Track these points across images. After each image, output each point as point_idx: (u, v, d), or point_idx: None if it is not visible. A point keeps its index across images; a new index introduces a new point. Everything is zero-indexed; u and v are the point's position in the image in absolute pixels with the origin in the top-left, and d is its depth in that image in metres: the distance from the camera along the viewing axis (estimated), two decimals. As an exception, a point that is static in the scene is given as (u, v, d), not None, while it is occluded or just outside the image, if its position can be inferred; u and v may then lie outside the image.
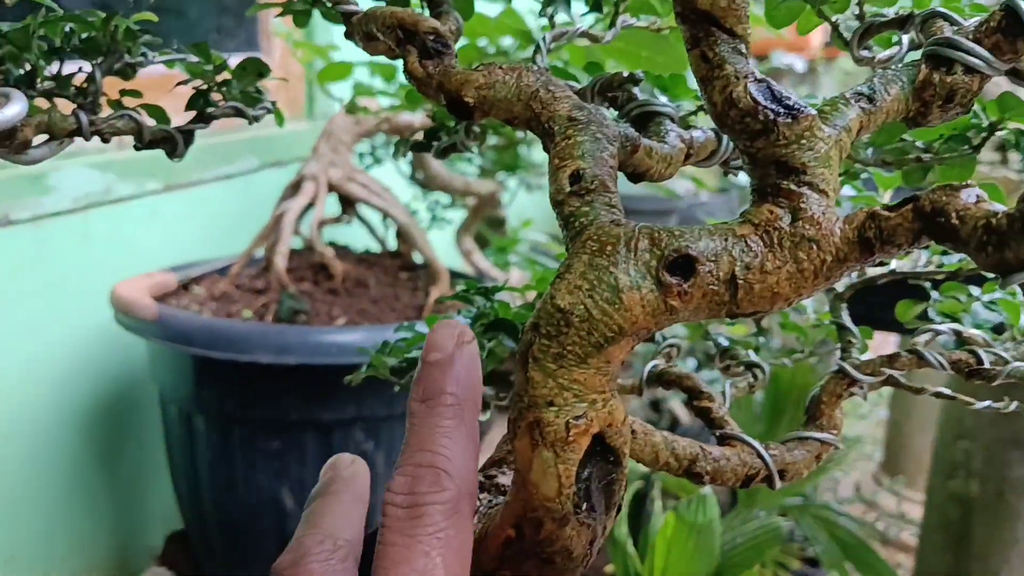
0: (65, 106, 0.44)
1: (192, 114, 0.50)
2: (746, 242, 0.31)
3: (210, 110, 0.48)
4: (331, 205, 1.44)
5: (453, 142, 0.51)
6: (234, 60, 0.49)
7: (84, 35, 0.45)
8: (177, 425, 1.29)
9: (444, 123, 0.54)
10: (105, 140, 0.44)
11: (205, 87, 0.48)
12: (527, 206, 2.15)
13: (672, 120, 0.43)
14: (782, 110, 0.31)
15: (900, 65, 0.34)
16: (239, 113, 0.50)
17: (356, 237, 1.58)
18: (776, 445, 0.47)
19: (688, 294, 0.31)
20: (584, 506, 0.33)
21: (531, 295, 0.59)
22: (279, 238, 1.32)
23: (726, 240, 0.31)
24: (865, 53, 0.43)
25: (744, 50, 0.33)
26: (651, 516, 1.19)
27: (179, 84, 0.48)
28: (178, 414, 1.28)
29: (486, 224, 1.87)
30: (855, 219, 0.31)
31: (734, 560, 1.19)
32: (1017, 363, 0.45)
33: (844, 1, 0.43)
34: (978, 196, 0.28)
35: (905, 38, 0.43)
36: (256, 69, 0.50)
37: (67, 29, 0.45)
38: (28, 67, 0.45)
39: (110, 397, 1.37)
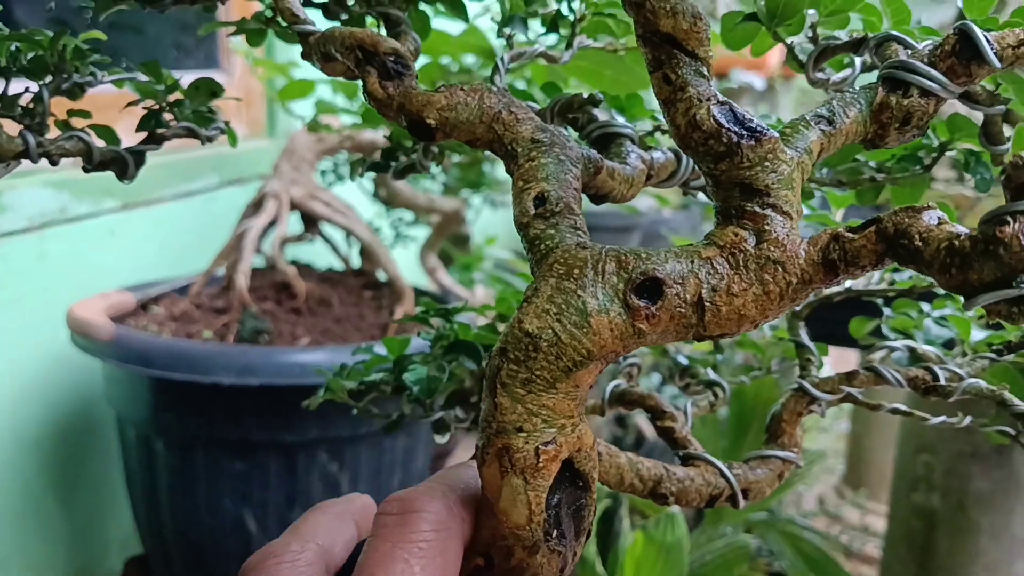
0: (12, 127, 0.43)
1: (143, 134, 0.48)
2: (712, 264, 0.31)
3: (161, 131, 0.47)
4: (293, 223, 1.43)
5: (412, 162, 0.50)
6: (193, 78, 0.48)
7: (31, 54, 0.44)
8: (136, 448, 1.26)
9: (401, 143, 0.54)
10: (53, 162, 0.43)
11: (157, 107, 0.47)
12: (491, 223, 2.14)
13: (632, 141, 0.43)
14: (745, 132, 0.32)
15: (858, 88, 0.35)
16: (192, 134, 0.49)
17: (319, 255, 1.56)
18: (739, 464, 0.47)
19: (656, 317, 0.31)
20: (554, 532, 0.32)
21: (493, 315, 0.58)
22: (241, 257, 1.30)
23: (692, 262, 0.31)
24: (820, 75, 0.43)
25: (706, 72, 0.33)
26: (620, 534, 1.19)
27: (129, 104, 0.47)
28: (137, 437, 1.25)
29: (450, 241, 1.86)
30: (819, 241, 0.31)
31: (703, 578, 1.20)
32: (972, 380, 0.46)
33: (798, 24, 0.44)
34: (939, 218, 0.28)
35: (858, 60, 0.44)
36: (209, 89, 0.49)
37: (13, 48, 0.43)
38: (-29, 87, 0.43)
39: (66, 420, 1.34)
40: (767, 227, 0.31)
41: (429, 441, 1.36)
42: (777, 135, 0.32)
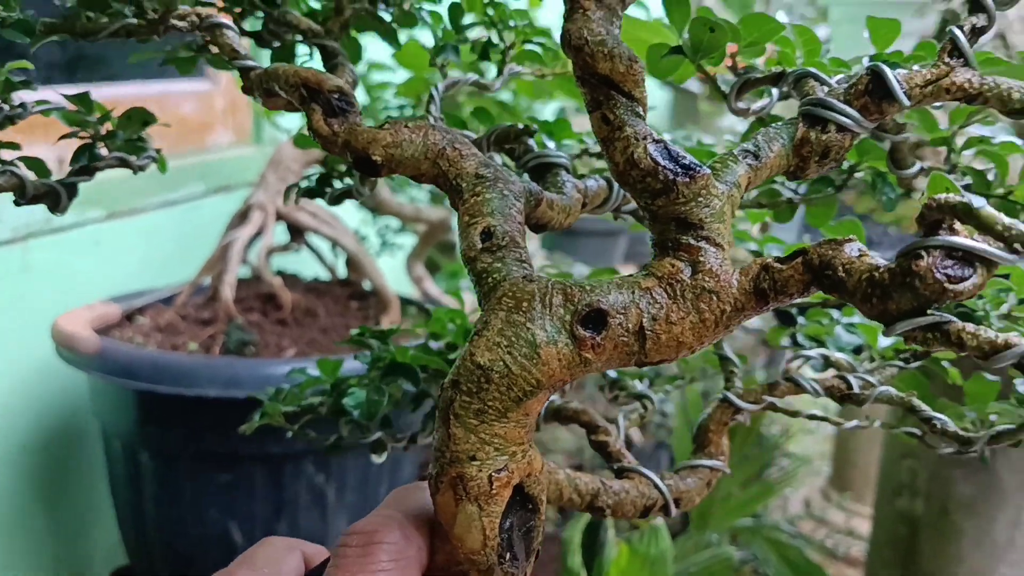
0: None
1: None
2: (651, 294, 0.33)
3: (94, 164, 0.47)
4: (279, 234, 1.42)
5: (348, 188, 0.51)
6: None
7: (-43, 87, 0.43)
8: (121, 460, 1.25)
9: (336, 168, 0.55)
10: (-15, 198, 0.42)
11: (90, 139, 0.46)
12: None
13: (567, 170, 0.44)
14: (680, 170, 0.33)
15: (780, 124, 0.37)
16: (124, 163, 0.48)
17: (305, 265, 1.56)
18: (671, 475, 0.49)
19: (601, 346, 0.32)
20: (507, 555, 0.34)
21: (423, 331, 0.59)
22: (226, 267, 1.30)
23: (633, 293, 0.33)
24: (741, 105, 0.46)
25: (641, 112, 0.35)
26: (604, 545, 1.19)
27: (63, 137, 0.47)
28: (122, 449, 1.24)
29: (437, 250, 1.86)
30: (750, 271, 0.33)
31: (688, 589, 1.23)
32: (883, 387, 0.49)
33: (719, 57, 0.46)
34: (860, 250, 0.31)
35: (775, 91, 0.46)
36: (141, 118, 0.49)
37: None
38: None
39: (52, 432, 1.33)
40: (702, 258, 0.33)
41: (415, 450, 1.37)
42: (709, 171, 0.34)
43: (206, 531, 1.18)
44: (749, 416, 0.54)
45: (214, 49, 0.43)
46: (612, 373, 0.63)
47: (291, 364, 1.12)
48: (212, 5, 0.42)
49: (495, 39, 0.54)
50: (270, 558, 0.37)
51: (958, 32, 0.35)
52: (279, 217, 1.38)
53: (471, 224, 0.36)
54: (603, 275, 0.57)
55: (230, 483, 1.17)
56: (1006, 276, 0.49)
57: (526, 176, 0.44)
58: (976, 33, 0.35)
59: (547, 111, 2.11)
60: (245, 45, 0.43)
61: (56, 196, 0.45)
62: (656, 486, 0.48)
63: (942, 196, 0.27)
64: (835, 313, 0.65)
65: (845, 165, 0.52)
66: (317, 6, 0.50)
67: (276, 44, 0.50)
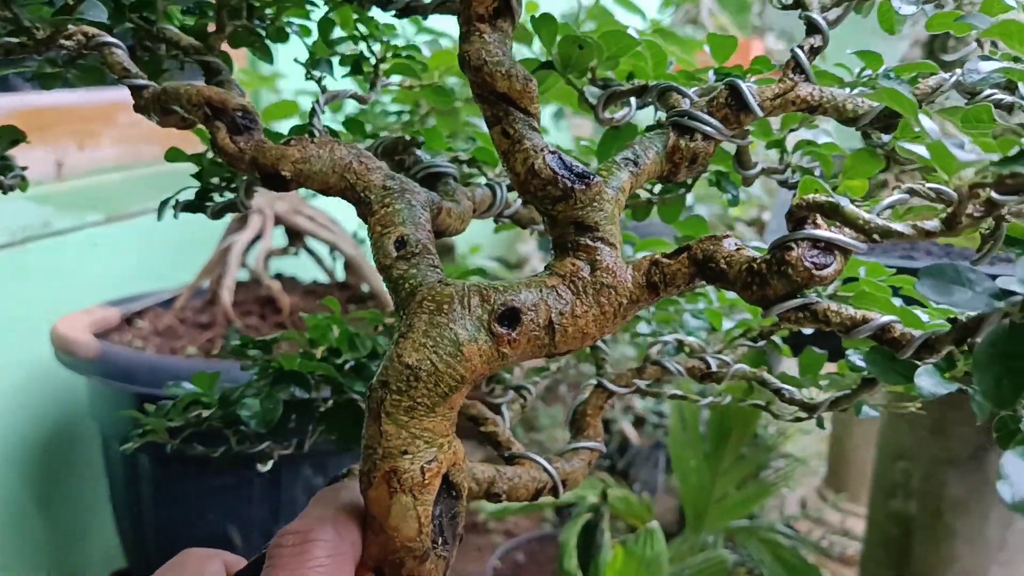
0: None
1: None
2: (557, 292, 0.36)
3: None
4: (278, 237, 1.41)
5: (231, 201, 0.52)
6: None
7: None
8: (120, 463, 1.22)
9: (210, 182, 0.55)
10: None
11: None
12: (475, 233, 2.12)
13: (455, 179, 0.47)
14: (576, 178, 0.37)
15: (652, 134, 0.41)
16: (-6, 184, 0.47)
17: (304, 268, 1.53)
18: (557, 458, 0.53)
19: (517, 341, 0.36)
20: (440, 540, 0.36)
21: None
22: (225, 271, 1.29)
23: (541, 291, 0.36)
24: (607, 116, 0.50)
25: (537, 126, 0.38)
26: (601, 547, 1.20)
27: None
28: (121, 452, 1.18)
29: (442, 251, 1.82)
30: (641, 266, 0.37)
31: (683, 592, 1.23)
32: (738, 365, 0.55)
33: (585, 71, 0.50)
34: (737, 244, 0.36)
35: (634, 101, 0.51)
36: (10, 136, 0.48)
37: None
38: None
39: (51, 434, 1.30)
40: (598, 257, 0.37)
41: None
42: (601, 179, 0.38)
43: (204, 534, 1.18)
44: (622, 398, 0.59)
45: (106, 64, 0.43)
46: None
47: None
48: (96, 24, 0.41)
49: (366, 53, 0.56)
50: (192, 567, 0.38)
51: (799, 51, 0.41)
52: (278, 221, 1.38)
53: (384, 234, 0.38)
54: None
55: (228, 486, 1.17)
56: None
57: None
58: (814, 52, 0.41)
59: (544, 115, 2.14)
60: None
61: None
62: (545, 469, 0.51)
63: (811, 196, 0.32)
64: (681, 301, 0.71)
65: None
66: (189, 22, 0.50)
67: (146, 58, 0.50)
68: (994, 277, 0.29)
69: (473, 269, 0.66)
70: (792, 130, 0.54)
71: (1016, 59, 0.36)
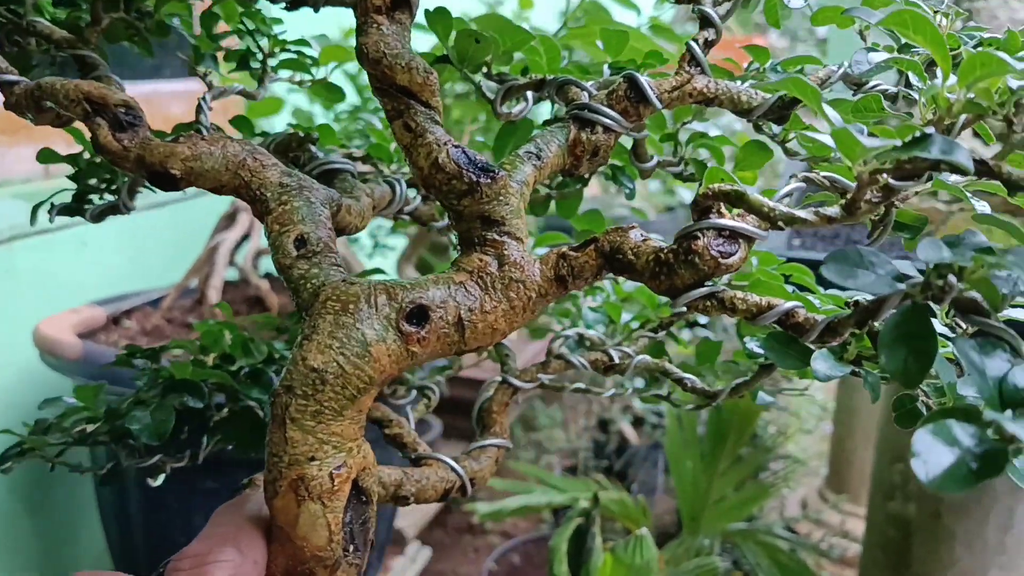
0: None
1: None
2: (465, 288, 0.36)
3: None
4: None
5: (112, 204, 0.49)
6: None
7: None
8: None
9: (89, 184, 0.52)
10: None
11: None
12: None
13: (352, 175, 0.46)
14: (481, 172, 0.37)
15: (553, 127, 0.41)
16: None
17: None
18: (465, 457, 0.52)
19: (426, 339, 0.35)
20: (351, 548, 0.35)
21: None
22: (213, 270, 1.26)
23: (449, 288, 0.36)
24: (505, 110, 0.50)
25: (438, 119, 0.38)
26: (592, 554, 1.17)
27: None
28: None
29: (429, 251, 1.75)
30: (549, 260, 0.37)
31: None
32: (640, 356, 0.56)
33: (478, 71, 0.50)
34: (643, 235, 0.36)
35: (530, 95, 0.51)
36: None
37: None
38: None
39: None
40: (506, 252, 0.37)
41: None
42: (506, 173, 0.37)
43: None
44: (528, 394, 0.59)
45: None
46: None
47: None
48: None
49: (253, 48, 0.54)
50: None
51: (694, 44, 0.41)
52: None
53: (283, 232, 0.36)
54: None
55: (216, 490, 1.12)
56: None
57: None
58: (708, 45, 0.41)
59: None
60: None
61: None
62: (453, 469, 0.51)
63: (717, 185, 0.32)
64: (579, 295, 0.72)
65: (590, 160, 0.58)
66: (61, 15, 0.47)
67: (12, 50, 0.47)
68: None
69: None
70: (685, 123, 0.55)
71: (907, 47, 0.37)
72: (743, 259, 0.33)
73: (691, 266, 0.33)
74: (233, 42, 0.54)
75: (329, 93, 0.58)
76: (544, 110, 0.94)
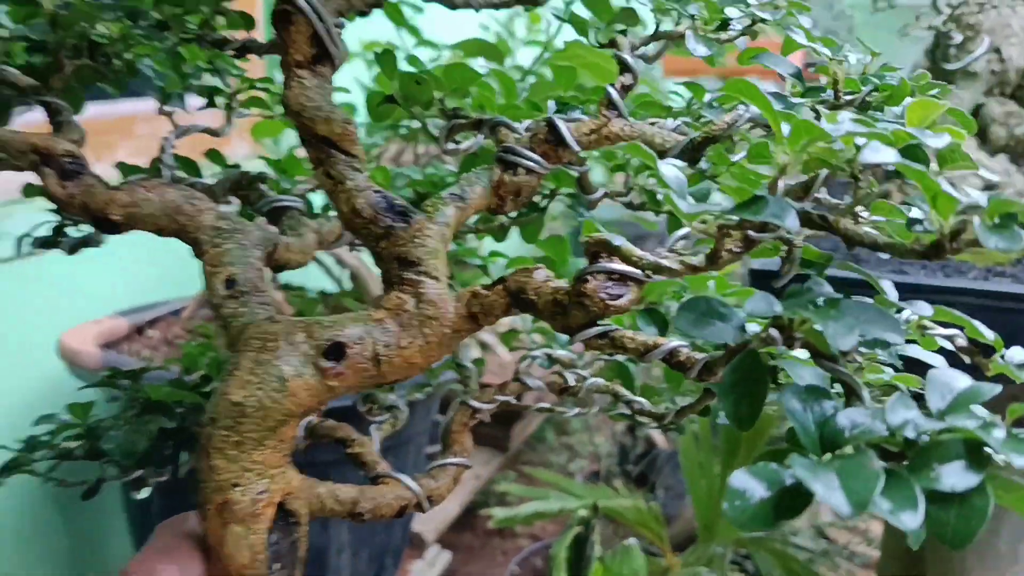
0: None
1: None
2: (383, 325, 0.38)
3: None
4: None
5: (86, 236, 0.52)
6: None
7: None
8: (86, 476, 1.19)
9: (69, 217, 0.55)
10: None
11: None
12: (490, 241, 2.12)
13: (300, 212, 0.49)
14: (397, 216, 0.39)
15: (479, 169, 0.43)
16: None
17: (311, 278, 1.51)
18: (423, 477, 0.55)
19: (343, 374, 0.37)
20: (278, 566, 0.38)
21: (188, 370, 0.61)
22: None
23: (367, 325, 0.38)
24: (451, 146, 0.52)
25: (359, 166, 0.40)
26: (591, 562, 1.19)
27: None
28: (84, 463, 1.16)
29: (451, 260, 1.80)
30: (463, 298, 0.39)
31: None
32: (593, 379, 0.58)
33: (428, 104, 0.52)
34: (547, 276, 0.38)
35: (479, 138, 0.53)
36: None
37: None
38: None
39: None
40: (422, 291, 0.39)
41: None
42: (423, 216, 0.40)
43: None
44: (488, 414, 0.61)
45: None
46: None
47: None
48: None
49: (220, 84, 0.57)
50: None
51: (611, 90, 0.43)
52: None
53: (214, 273, 0.39)
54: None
55: None
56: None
57: (262, 220, 0.48)
58: (625, 89, 0.43)
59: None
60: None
61: None
62: (409, 487, 0.53)
63: (594, 235, 0.34)
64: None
65: (547, 190, 0.60)
66: (36, 60, 0.51)
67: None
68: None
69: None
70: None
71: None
72: (632, 301, 0.36)
73: (582, 307, 0.36)
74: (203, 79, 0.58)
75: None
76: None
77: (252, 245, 0.40)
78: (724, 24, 0.44)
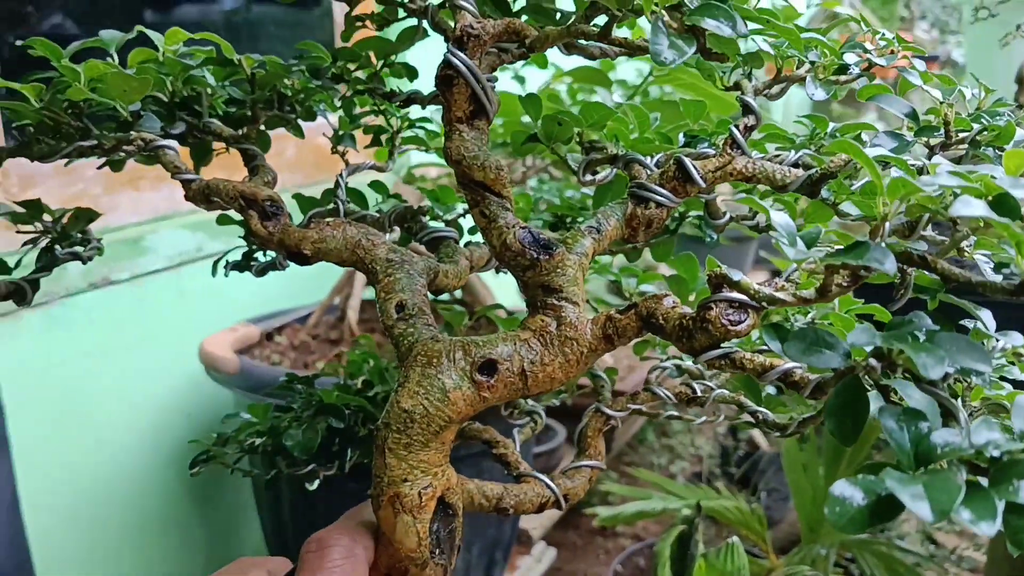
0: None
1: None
2: (529, 344, 0.44)
3: (52, 263, 0.54)
4: None
5: (272, 261, 0.60)
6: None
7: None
8: (261, 467, 1.35)
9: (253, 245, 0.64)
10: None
11: (49, 240, 0.54)
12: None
13: (456, 241, 0.55)
14: (541, 249, 0.45)
15: (613, 203, 0.49)
16: (76, 257, 0.56)
17: None
18: (560, 477, 0.61)
19: (494, 387, 0.43)
20: (437, 551, 0.44)
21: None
22: (352, 291, 1.41)
23: (515, 344, 0.44)
24: (588, 177, 0.57)
25: (509, 206, 0.46)
26: (695, 559, 1.23)
27: (25, 243, 0.54)
28: (260, 457, 1.31)
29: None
30: (599, 321, 0.45)
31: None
32: (719, 390, 0.62)
33: (568, 141, 0.58)
34: (674, 303, 0.43)
35: (612, 169, 0.58)
36: (86, 217, 0.57)
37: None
38: None
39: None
40: (563, 314, 0.45)
41: (527, 456, 1.45)
42: (564, 248, 0.45)
43: None
44: (620, 421, 0.66)
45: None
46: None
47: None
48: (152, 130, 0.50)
49: (384, 124, 0.64)
50: (241, 572, 0.47)
51: (735, 130, 0.47)
52: (403, 242, 1.51)
53: (387, 299, 0.46)
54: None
55: (356, 491, 1.27)
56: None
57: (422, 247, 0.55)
58: (748, 130, 0.48)
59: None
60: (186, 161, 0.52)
61: (23, 292, 0.53)
62: (548, 487, 0.59)
63: (716, 269, 0.39)
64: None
65: (677, 213, 0.65)
66: (232, 109, 0.59)
67: (191, 140, 0.59)
68: None
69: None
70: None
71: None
72: (751, 326, 0.40)
73: (705, 332, 0.40)
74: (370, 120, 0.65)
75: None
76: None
77: (418, 274, 0.47)
78: (842, 69, 0.48)
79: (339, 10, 1.85)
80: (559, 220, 0.72)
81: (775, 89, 0.51)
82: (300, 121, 0.62)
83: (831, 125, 0.55)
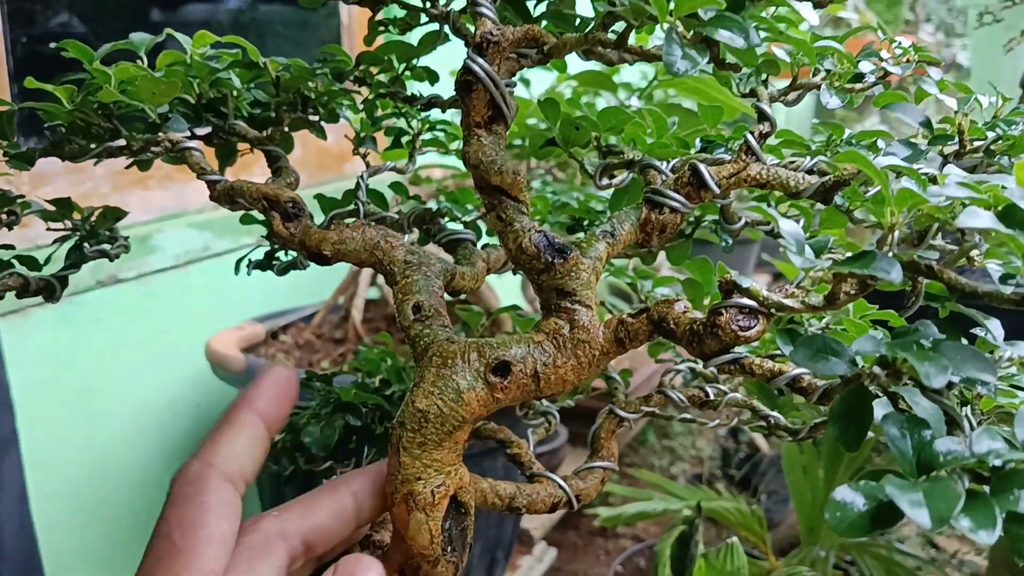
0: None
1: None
2: (542, 346, 0.45)
3: (81, 260, 0.56)
4: None
5: (293, 260, 0.62)
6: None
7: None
8: (266, 464, 1.38)
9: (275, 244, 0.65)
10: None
11: (78, 238, 0.56)
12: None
13: (473, 244, 0.56)
14: (556, 253, 0.45)
15: (627, 208, 0.49)
16: (104, 255, 0.58)
17: None
18: (573, 477, 0.61)
19: (508, 388, 0.44)
20: (449, 548, 0.45)
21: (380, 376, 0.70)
22: (357, 290, 1.43)
23: (528, 346, 0.45)
24: (605, 181, 0.58)
25: (525, 210, 0.47)
26: (694, 559, 1.24)
27: (56, 241, 0.56)
28: (280, 453, 1.34)
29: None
30: (611, 324, 0.45)
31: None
32: (732, 394, 0.62)
33: (586, 145, 0.58)
34: (685, 307, 0.43)
35: (629, 173, 0.59)
36: (114, 215, 0.59)
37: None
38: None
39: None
40: (576, 318, 0.45)
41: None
42: (578, 252, 0.46)
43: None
44: (632, 423, 0.67)
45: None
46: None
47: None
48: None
49: (404, 127, 0.65)
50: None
51: (750, 137, 0.48)
52: (408, 242, 1.54)
53: (404, 300, 0.47)
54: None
55: None
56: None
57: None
58: (763, 137, 0.48)
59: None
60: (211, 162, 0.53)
61: (52, 288, 0.54)
62: (561, 487, 0.60)
63: (727, 276, 0.40)
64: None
65: (692, 217, 0.65)
66: (256, 110, 0.60)
67: (216, 141, 0.61)
68: None
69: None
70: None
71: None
72: (760, 332, 0.40)
73: (715, 337, 0.41)
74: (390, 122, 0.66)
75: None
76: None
77: (435, 275, 0.48)
78: (858, 77, 0.48)
79: (345, 11, 1.87)
80: (576, 223, 0.73)
81: (791, 96, 0.51)
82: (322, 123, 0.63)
83: (847, 132, 0.55)
